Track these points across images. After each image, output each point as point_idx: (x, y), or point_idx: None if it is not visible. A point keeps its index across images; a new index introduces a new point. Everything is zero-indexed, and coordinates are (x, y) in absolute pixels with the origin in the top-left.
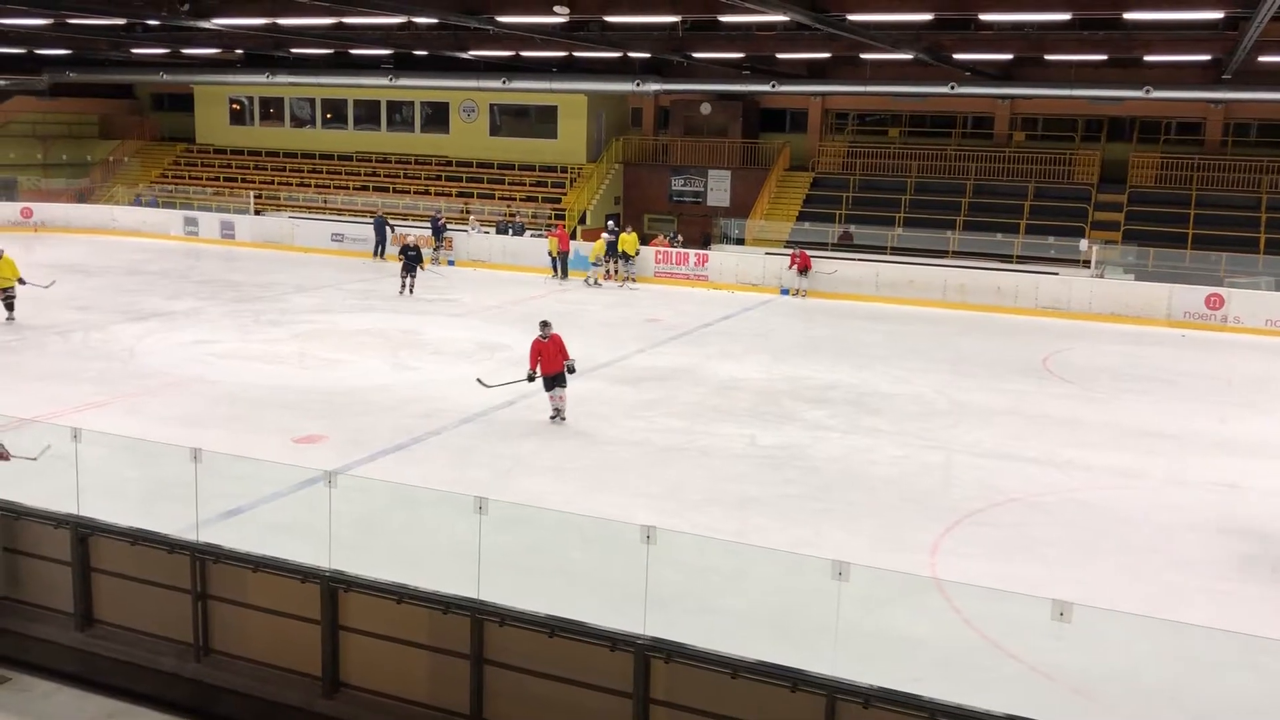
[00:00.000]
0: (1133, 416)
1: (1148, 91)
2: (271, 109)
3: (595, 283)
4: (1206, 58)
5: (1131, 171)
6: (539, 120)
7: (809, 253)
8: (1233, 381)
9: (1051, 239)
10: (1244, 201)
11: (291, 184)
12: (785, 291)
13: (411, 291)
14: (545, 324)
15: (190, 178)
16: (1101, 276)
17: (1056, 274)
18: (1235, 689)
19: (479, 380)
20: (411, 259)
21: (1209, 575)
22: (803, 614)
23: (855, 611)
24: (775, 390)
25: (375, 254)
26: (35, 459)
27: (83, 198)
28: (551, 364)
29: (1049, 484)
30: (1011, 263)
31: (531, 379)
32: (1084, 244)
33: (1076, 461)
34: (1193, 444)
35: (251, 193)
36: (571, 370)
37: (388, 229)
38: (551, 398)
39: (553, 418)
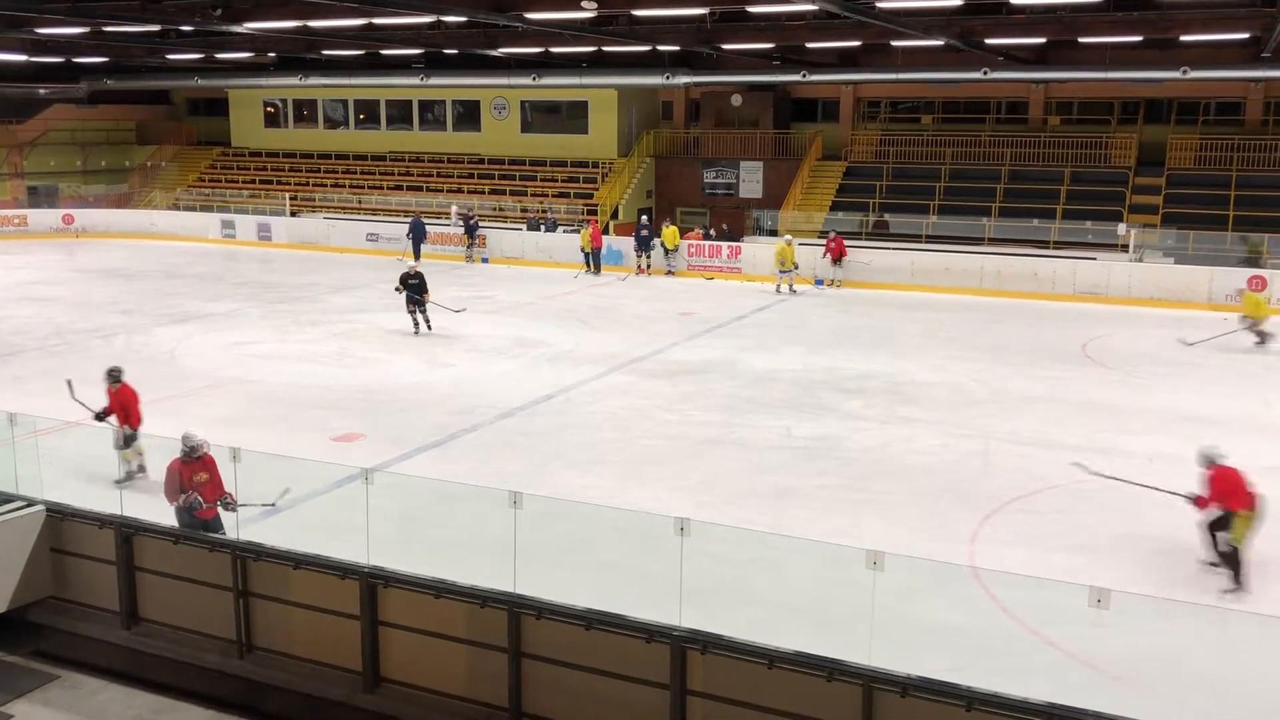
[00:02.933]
0: (1175, 401)
1: (1185, 72)
2: (305, 111)
3: (789, 289)
4: (1245, 36)
5: (1170, 153)
6: (570, 116)
7: (845, 240)
8: (1277, 364)
9: (1089, 223)
10: None
11: (326, 185)
12: (820, 282)
13: (429, 327)
14: (111, 373)
15: (226, 181)
16: (1140, 260)
17: (1094, 259)
18: None
19: (68, 382)
20: (414, 288)
21: (1253, 561)
22: (839, 604)
23: (892, 601)
24: (811, 381)
25: (415, 257)
26: (275, 504)
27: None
28: (131, 418)
29: None
30: (1048, 248)
31: (100, 418)
32: (1122, 228)
33: (1117, 447)
34: (1235, 428)
35: (287, 194)
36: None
37: (425, 230)
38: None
39: (118, 482)
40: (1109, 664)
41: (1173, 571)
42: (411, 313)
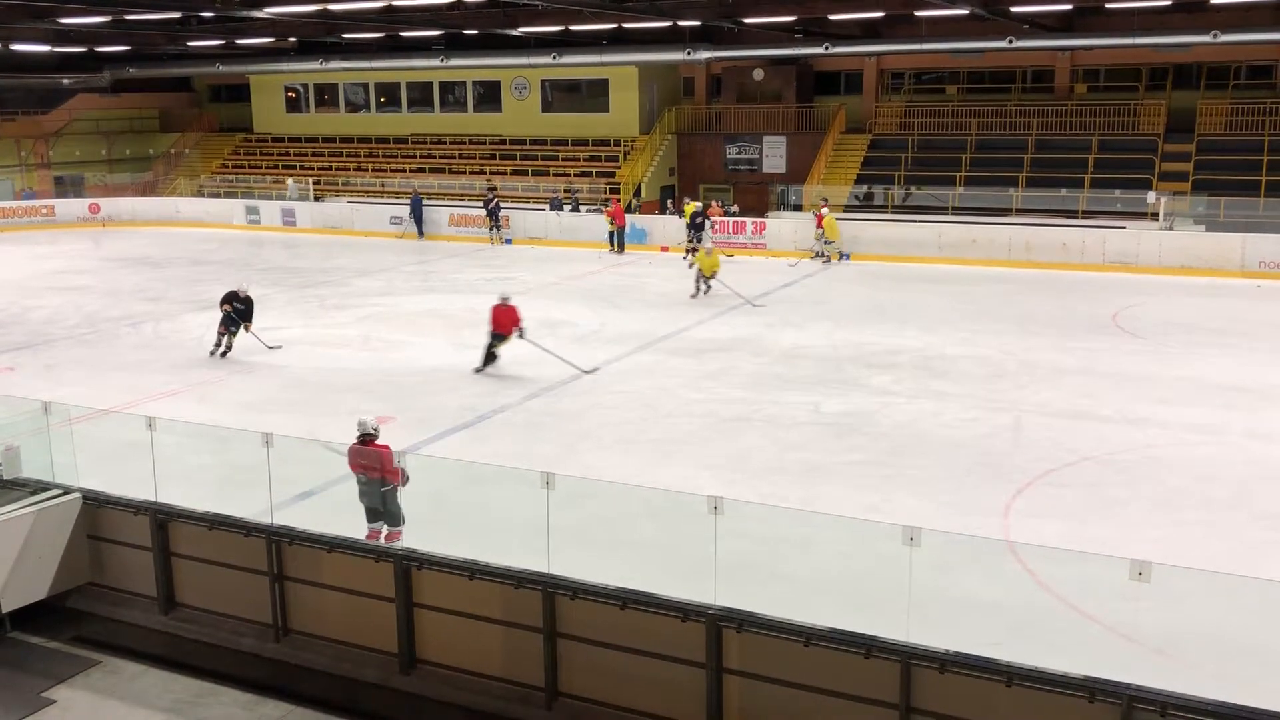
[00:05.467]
0: (1208, 370)
1: (1215, 36)
2: (326, 95)
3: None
4: None
5: (1200, 119)
6: (591, 94)
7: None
8: None
9: (1118, 192)
10: None
11: (349, 169)
12: (845, 256)
13: (228, 349)
14: None
15: (249, 167)
16: (1171, 229)
17: (1124, 228)
18: None
19: None
20: (239, 314)
21: None
22: (874, 580)
23: (928, 577)
24: (839, 357)
25: (419, 235)
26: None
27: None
28: None
29: (1123, 442)
30: (1077, 218)
31: None
32: (1152, 196)
33: (1151, 418)
34: (1272, 396)
35: (310, 179)
36: None
37: (423, 209)
38: None
39: None
40: (1149, 637)
41: (1213, 542)
42: (222, 334)
